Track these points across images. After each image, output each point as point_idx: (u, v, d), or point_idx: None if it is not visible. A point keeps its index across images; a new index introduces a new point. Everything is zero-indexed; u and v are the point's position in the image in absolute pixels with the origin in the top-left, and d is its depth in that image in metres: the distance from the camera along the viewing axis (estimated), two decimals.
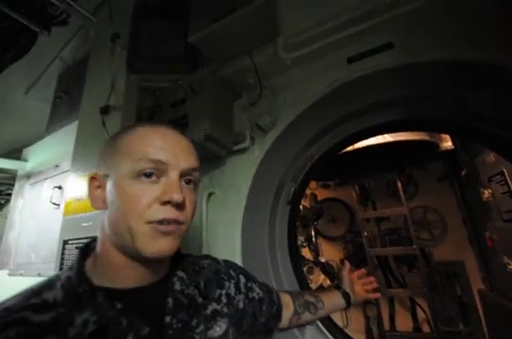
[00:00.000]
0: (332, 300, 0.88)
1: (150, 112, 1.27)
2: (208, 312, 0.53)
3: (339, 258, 3.59)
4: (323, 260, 2.93)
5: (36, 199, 1.66)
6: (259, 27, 1.09)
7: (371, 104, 1.24)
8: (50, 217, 1.49)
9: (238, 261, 1.26)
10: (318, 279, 2.30)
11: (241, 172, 1.32)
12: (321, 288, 2.25)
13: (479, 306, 2.75)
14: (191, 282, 0.55)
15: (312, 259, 2.92)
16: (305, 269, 2.46)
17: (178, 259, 0.57)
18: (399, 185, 2.99)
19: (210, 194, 1.34)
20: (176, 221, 0.45)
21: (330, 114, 1.28)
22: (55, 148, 1.69)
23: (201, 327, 0.50)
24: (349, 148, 2.07)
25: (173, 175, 0.46)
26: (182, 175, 0.48)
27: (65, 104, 1.83)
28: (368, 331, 3.14)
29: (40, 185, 1.67)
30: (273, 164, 1.34)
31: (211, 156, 1.30)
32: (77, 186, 1.19)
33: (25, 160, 1.86)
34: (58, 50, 1.97)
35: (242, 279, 0.67)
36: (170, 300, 0.49)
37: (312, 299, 0.83)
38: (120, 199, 0.45)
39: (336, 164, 2.39)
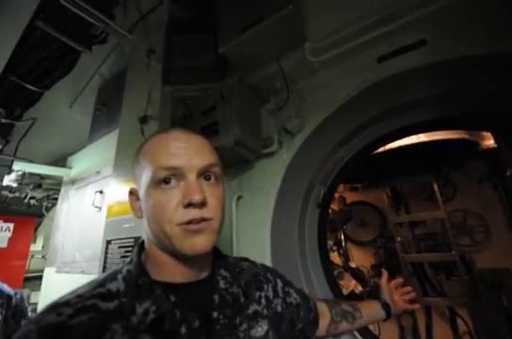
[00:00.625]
0: (371, 311, 0.87)
1: (182, 120, 1.33)
2: (250, 312, 0.55)
3: (369, 264, 3.44)
4: (353, 265, 2.83)
5: (79, 202, 1.80)
6: (286, 34, 1.12)
7: (403, 104, 1.21)
8: (92, 220, 1.61)
9: (268, 263, 1.27)
10: (349, 284, 2.24)
11: (269, 176, 1.34)
12: (353, 294, 2.18)
13: None
14: (234, 282, 0.57)
15: (341, 264, 2.84)
16: (335, 274, 2.40)
17: (220, 259, 0.60)
18: (435, 187, 2.83)
19: (239, 197, 1.37)
20: (203, 219, 0.48)
21: (360, 115, 1.26)
22: (96, 156, 1.83)
23: (244, 325, 0.52)
24: (380, 149, 2.01)
25: (191, 177, 0.49)
26: (199, 174, 0.50)
27: (104, 115, 1.98)
28: None
29: (83, 190, 1.81)
30: (301, 167, 1.34)
31: (240, 161, 1.34)
32: (118, 191, 1.27)
33: (70, 167, 2.03)
34: (97, 66, 2.14)
35: (279, 283, 0.68)
36: (216, 297, 0.52)
37: (349, 309, 0.82)
38: (150, 207, 0.49)
39: (365, 166, 2.33)
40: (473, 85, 1.12)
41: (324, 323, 0.74)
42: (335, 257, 2.98)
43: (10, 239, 2.69)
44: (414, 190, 3.29)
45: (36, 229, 2.98)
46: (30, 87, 1.89)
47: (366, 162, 2.17)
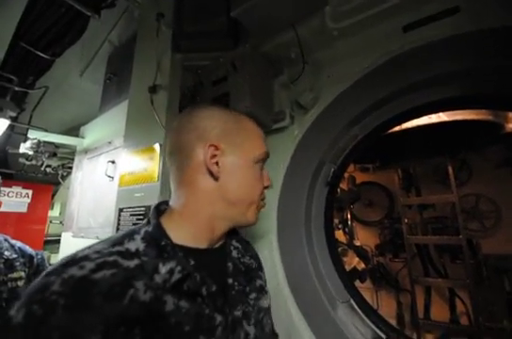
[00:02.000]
0: None
1: (192, 91, 1.30)
2: (257, 284, 0.60)
3: (374, 243, 3.50)
4: (357, 244, 2.88)
5: (93, 171, 1.85)
6: None
7: (425, 79, 1.13)
8: (105, 188, 1.65)
9: (274, 237, 1.30)
10: (352, 261, 2.30)
11: (279, 151, 1.31)
12: (355, 270, 2.25)
13: None
14: (246, 252, 0.63)
15: (345, 242, 2.89)
16: (339, 251, 2.45)
17: (232, 231, 0.62)
18: (450, 170, 2.74)
19: None
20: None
21: (378, 91, 1.19)
22: (107, 126, 1.84)
23: (254, 294, 0.56)
24: (396, 128, 1.93)
25: (263, 165, 0.60)
26: None
27: (114, 85, 1.95)
28: (399, 317, 3.11)
29: (96, 160, 1.84)
30: (312, 144, 1.31)
31: None
32: (129, 161, 1.29)
33: (83, 137, 2.05)
34: (107, 33, 2.07)
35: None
36: (230, 265, 0.55)
37: None
38: (248, 178, 0.55)
39: (378, 146, 2.26)
40: (507, 59, 1.02)
41: None
42: (340, 235, 3.03)
43: (30, 205, 2.84)
44: (427, 173, 3.22)
45: (53, 196, 3.13)
46: (41, 54, 1.86)
47: (380, 142, 2.11)
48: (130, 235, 0.49)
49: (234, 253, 0.59)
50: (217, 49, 1.18)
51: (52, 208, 3.17)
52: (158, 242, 0.48)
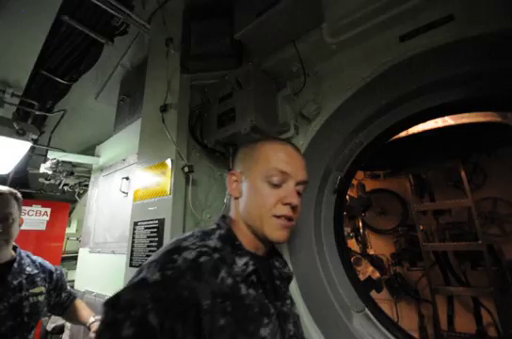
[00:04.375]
0: None
1: (200, 108, 1.37)
2: (289, 294, 0.69)
3: (390, 252, 3.40)
4: (371, 252, 2.81)
5: (108, 188, 1.92)
6: (303, 15, 1.09)
7: (426, 85, 1.16)
8: (120, 204, 1.71)
9: (285, 249, 1.31)
10: (366, 271, 2.24)
11: None
12: (369, 280, 2.19)
13: None
14: (285, 265, 0.73)
15: (359, 251, 2.83)
16: (352, 260, 2.40)
17: (275, 249, 0.74)
18: (463, 174, 2.69)
19: None
20: (291, 218, 0.62)
21: (380, 98, 1.22)
22: (121, 145, 1.93)
23: (289, 301, 0.66)
24: (402, 133, 1.94)
25: (292, 184, 0.63)
26: (296, 184, 0.64)
27: (127, 105, 2.06)
28: (422, 330, 2.96)
29: (111, 177, 1.92)
30: (318, 153, 1.34)
31: None
32: (142, 176, 1.35)
33: (98, 156, 2.15)
34: (119, 58, 2.21)
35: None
36: (276, 272, 0.67)
37: None
38: (255, 196, 0.63)
39: (387, 152, 2.26)
40: (506, 61, 1.04)
41: None
42: (353, 244, 2.97)
43: (48, 223, 2.94)
44: (439, 178, 3.15)
45: (70, 213, 3.23)
46: (59, 80, 2.00)
47: (388, 148, 2.11)
48: (207, 235, 0.60)
49: (277, 264, 0.70)
50: (222, 68, 1.26)
51: (69, 225, 3.27)
52: (232, 242, 0.61)
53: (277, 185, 0.62)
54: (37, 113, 2.14)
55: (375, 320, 1.20)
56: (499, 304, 2.42)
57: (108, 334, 0.42)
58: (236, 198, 0.67)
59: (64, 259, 3.06)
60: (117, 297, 0.45)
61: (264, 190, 0.62)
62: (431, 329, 2.93)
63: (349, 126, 1.33)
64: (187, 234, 0.62)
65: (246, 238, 0.63)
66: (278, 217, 0.60)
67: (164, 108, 1.23)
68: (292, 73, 1.34)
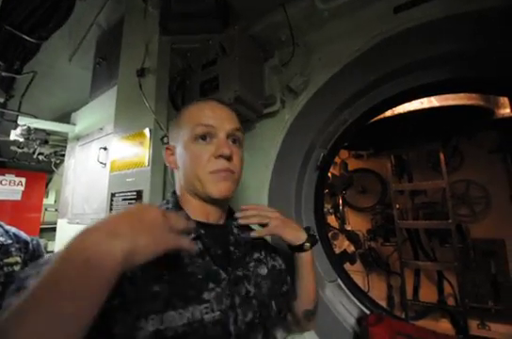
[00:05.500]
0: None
1: (181, 75, 1.28)
2: (255, 257, 0.68)
3: (366, 229, 3.58)
4: (348, 228, 2.95)
5: (85, 158, 1.84)
6: None
7: (418, 61, 1.12)
8: (98, 175, 1.66)
9: None
10: (342, 244, 2.36)
11: (270, 136, 1.32)
12: (345, 253, 2.31)
13: None
14: (242, 231, 0.69)
15: (337, 227, 2.95)
16: (330, 235, 2.51)
17: (233, 215, 0.71)
18: (442, 156, 2.78)
19: None
20: (228, 169, 0.61)
21: (369, 73, 1.19)
22: (98, 112, 1.82)
23: (252, 264, 0.66)
24: (388, 113, 1.94)
25: (221, 135, 0.62)
26: (228, 136, 0.63)
27: (104, 70, 1.91)
28: (389, 299, 3.23)
29: (88, 147, 1.83)
30: (303, 128, 1.31)
31: (241, 120, 1.31)
32: (120, 147, 1.29)
33: (74, 124, 2.03)
34: (94, 16, 2.00)
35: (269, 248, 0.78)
36: (232, 238, 0.65)
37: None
38: (188, 158, 0.62)
39: (372, 132, 2.27)
40: (500, 41, 1.01)
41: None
42: (332, 220, 3.09)
43: (23, 193, 2.83)
44: (419, 159, 3.25)
45: (47, 184, 3.12)
46: (26, 37, 1.80)
47: (373, 128, 2.12)
48: None
49: (235, 230, 0.67)
50: (206, 31, 1.16)
51: (47, 196, 3.17)
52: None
53: (205, 141, 0.61)
54: (3, 74, 1.95)
55: (346, 289, 1.28)
56: (460, 278, 2.65)
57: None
58: (177, 170, 0.67)
59: (43, 230, 3.01)
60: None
61: (194, 150, 0.61)
62: (398, 298, 3.20)
63: (336, 102, 1.29)
64: None
65: (194, 208, 0.63)
66: (214, 172, 0.59)
67: (141, 73, 1.14)
68: (281, 42, 1.26)
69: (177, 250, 0.50)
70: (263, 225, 0.69)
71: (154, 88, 1.15)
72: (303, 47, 1.24)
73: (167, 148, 0.69)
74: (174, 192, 0.68)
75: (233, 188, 0.63)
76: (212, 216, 0.65)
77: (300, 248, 0.71)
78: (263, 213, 0.70)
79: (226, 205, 0.69)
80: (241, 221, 0.67)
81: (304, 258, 0.73)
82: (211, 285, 0.53)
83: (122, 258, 0.36)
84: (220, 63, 1.14)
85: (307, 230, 0.74)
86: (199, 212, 0.63)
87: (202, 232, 0.59)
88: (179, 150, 0.64)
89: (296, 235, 0.71)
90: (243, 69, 1.12)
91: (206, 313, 0.50)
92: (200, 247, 0.57)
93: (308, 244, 0.71)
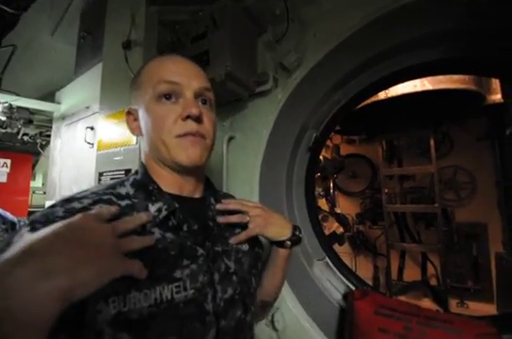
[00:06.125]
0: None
1: (170, 48, 1.22)
2: (236, 232, 0.62)
3: (355, 212, 3.67)
4: (338, 211, 3.01)
5: (72, 138, 1.79)
6: None
7: (413, 39, 1.10)
8: (86, 155, 1.62)
9: (256, 200, 1.32)
10: (332, 226, 2.42)
11: (262, 116, 1.30)
12: (334, 234, 2.38)
13: (493, 267, 2.79)
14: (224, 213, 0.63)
15: (327, 210, 3.01)
16: (320, 217, 2.57)
17: (211, 188, 0.66)
18: (432, 142, 2.81)
19: (230, 138, 1.35)
20: (198, 133, 0.53)
21: (364, 51, 1.16)
22: (84, 90, 1.75)
23: (232, 240, 0.60)
24: (381, 96, 1.92)
25: (188, 94, 0.54)
26: (196, 95, 0.55)
27: (89, 44, 1.81)
28: (375, 279, 3.37)
29: (75, 126, 1.77)
30: (296, 108, 1.29)
31: (232, 99, 1.28)
32: (107, 125, 1.25)
33: (59, 103, 1.95)
34: None
35: None
36: (210, 213, 0.60)
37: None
38: (151, 121, 0.54)
39: (365, 116, 2.26)
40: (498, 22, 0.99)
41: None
42: (323, 203, 3.15)
43: (9, 175, 2.76)
44: (410, 145, 3.29)
45: (34, 167, 3.05)
46: (4, 7, 1.69)
47: (367, 112, 2.11)
48: (121, 183, 0.55)
49: (213, 206, 0.62)
50: (196, 1, 1.10)
51: (34, 179, 3.11)
52: (146, 187, 0.53)
53: (170, 100, 0.53)
54: None
55: (333, 267, 1.31)
56: (443, 259, 2.76)
57: None
58: (142, 136, 0.58)
59: (31, 213, 2.97)
60: None
61: (157, 111, 0.53)
62: (383, 278, 3.34)
63: (329, 82, 1.27)
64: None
65: (164, 179, 0.56)
66: (181, 136, 0.52)
67: (127, 45, 1.09)
68: (275, 16, 1.20)
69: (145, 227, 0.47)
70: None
71: (141, 61, 1.10)
72: (298, 22, 1.19)
73: (128, 112, 0.60)
74: (142, 162, 0.60)
75: (205, 155, 0.56)
76: (186, 188, 0.58)
77: (280, 244, 0.67)
78: (243, 208, 0.63)
79: (201, 176, 0.63)
80: (220, 220, 0.60)
81: (280, 253, 0.68)
82: (185, 262, 0.49)
83: (58, 300, 0.30)
84: (211, 37, 1.08)
85: (294, 228, 0.69)
86: (171, 184, 0.56)
87: (177, 206, 0.52)
88: (141, 113, 0.56)
89: (279, 233, 0.66)
90: (234, 43, 1.07)
91: (177, 292, 0.46)
92: (173, 222, 0.51)
93: (289, 242, 0.66)
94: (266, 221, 0.65)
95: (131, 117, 0.59)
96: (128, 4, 1.21)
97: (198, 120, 0.53)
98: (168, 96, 0.53)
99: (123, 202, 0.49)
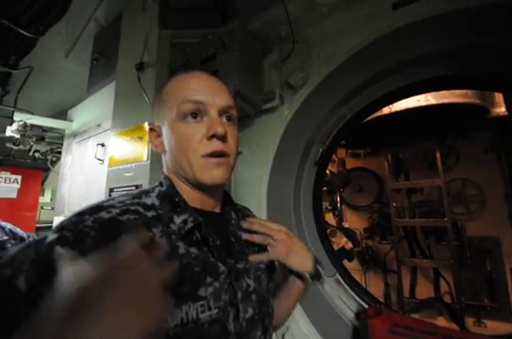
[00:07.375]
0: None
1: (181, 69, 1.28)
2: (255, 249, 0.62)
3: (363, 227, 3.60)
4: (346, 226, 2.96)
5: (82, 155, 1.83)
6: None
7: (415, 58, 1.14)
8: (96, 172, 1.65)
9: (263, 214, 1.32)
10: (340, 241, 2.37)
11: (269, 132, 1.32)
12: (343, 250, 2.33)
13: (509, 283, 2.68)
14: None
15: (335, 224, 2.97)
16: (328, 232, 2.52)
17: (230, 202, 0.66)
18: (438, 155, 2.80)
19: (238, 153, 1.37)
20: (223, 153, 0.53)
21: (367, 70, 1.20)
22: (96, 108, 1.81)
23: (251, 257, 0.59)
24: (385, 111, 1.95)
25: (213, 113, 0.54)
26: (220, 113, 0.55)
27: (102, 65, 1.90)
28: (386, 297, 3.24)
29: (86, 143, 1.82)
30: (302, 124, 1.32)
31: (240, 116, 1.31)
32: (118, 142, 1.28)
33: (71, 120, 2.01)
34: (92, 11, 1.99)
35: None
36: (231, 228, 0.60)
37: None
38: (175, 139, 0.54)
39: (370, 130, 2.28)
40: (499, 38, 1.03)
41: None
42: (330, 218, 3.11)
43: (19, 191, 2.80)
44: (416, 158, 3.28)
45: (43, 182, 3.09)
46: (23, 32, 1.79)
47: (372, 126, 2.13)
48: (145, 193, 0.54)
49: (233, 221, 0.62)
50: (205, 25, 1.16)
51: (42, 194, 3.15)
52: (172, 199, 0.54)
53: (195, 119, 0.53)
54: None
55: (344, 284, 1.28)
56: (456, 275, 2.67)
57: None
58: (164, 153, 0.58)
59: (39, 229, 2.98)
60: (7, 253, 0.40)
61: (182, 130, 0.53)
62: (395, 296, 3.21)
63: (334, 98, 1.30)
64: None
65: (187, 194, 0.56)
66: (207, 156, 0.52)
67: (140, 66, 1.14)
68: (280, 38, 1.26)
69: (171, 239, 0.47)
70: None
71: (154, 81, 1.15)
72: (302, 43, 1.25)
73: (151, 129, 0.60)
74: (165, 174, 0.60)
75: (228, 175, 0.55)
76: (207, 203, 0.58)
77: (300, 275, 0.64)
78: (267, 231, 0.62)
79: (220, 191, 0.62)
80: (244, 237, 0.60)
81: (297, 284, 0.66)
82: (208, 280, 0.48)
83: None
84: (220, 58, 1.14)
85: (316, 261, 0.67)
86: (192, 198, 0.56)
87: (201, 219, 0.52)
88: (165, 130, 0.56)
89: (301, 264, 0.64)
90: (242, 63, 1.12)
91: (202, 311, 0.44)
92: (197, 236, 0.51)
93: (310, 276, 0.64)
94: (290, 249, 0.63)
95: (154, 133, 0.59)
96: (141, 28, 1.28)
97: (223, 139, 0.53)
98: (193, 115, 0.53)
99: (149, 213, 0.49)
